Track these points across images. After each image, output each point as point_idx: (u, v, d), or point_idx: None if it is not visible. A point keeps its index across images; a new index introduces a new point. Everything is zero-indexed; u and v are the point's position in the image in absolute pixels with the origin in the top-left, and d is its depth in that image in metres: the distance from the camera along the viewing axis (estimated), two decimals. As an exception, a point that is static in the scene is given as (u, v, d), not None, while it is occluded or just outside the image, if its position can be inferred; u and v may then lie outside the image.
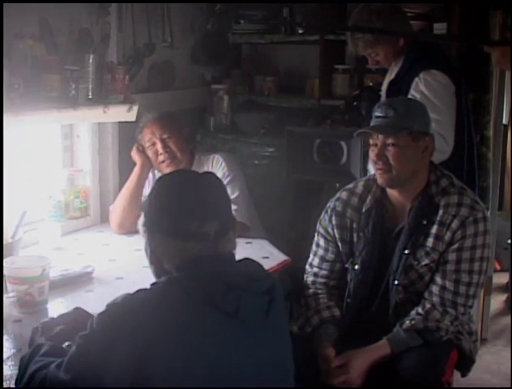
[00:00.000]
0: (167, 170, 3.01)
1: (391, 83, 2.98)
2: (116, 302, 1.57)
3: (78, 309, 1.97)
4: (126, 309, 1.54)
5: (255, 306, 1.61)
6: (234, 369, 1.56)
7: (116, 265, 2.70)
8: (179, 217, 1.61)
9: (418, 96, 2.78)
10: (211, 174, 1.78)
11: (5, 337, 2.00)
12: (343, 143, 3.07)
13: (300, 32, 3.62)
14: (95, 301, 2.30)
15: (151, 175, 3.15)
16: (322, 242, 2.49)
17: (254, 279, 1.64)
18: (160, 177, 1.82)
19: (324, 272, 2.49)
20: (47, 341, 1.78)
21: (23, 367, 1.69)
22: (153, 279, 1.73)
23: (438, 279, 2.30)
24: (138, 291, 1.59)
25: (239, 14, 3.79)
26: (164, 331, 1.50)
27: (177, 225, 1.60)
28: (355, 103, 3.21)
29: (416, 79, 2.82)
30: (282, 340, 1.71)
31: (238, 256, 1.72)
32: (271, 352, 1.65)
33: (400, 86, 2.89)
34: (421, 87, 2.80)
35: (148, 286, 1.68)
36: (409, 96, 2.81)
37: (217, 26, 2.57)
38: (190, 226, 1.60)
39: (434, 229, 2.31)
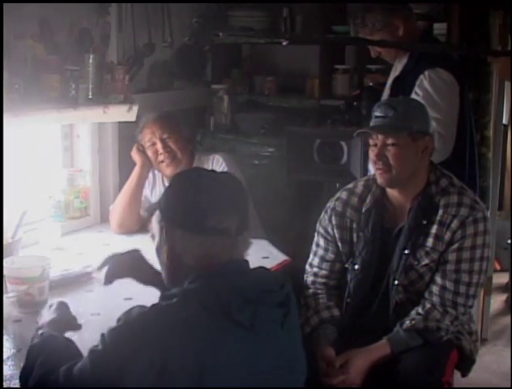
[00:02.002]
0: (167, 170, 3.02)
1: (396, 79, 2.97)
2: (129, 318, 1.53)
3: (135, 252, 1.99)
4: (142, 325, 1.50)
5: (270, 319, 1.59)
6: (250, 381, 1.54)
7: (116, 265, 2.69)
8: (200, 212, 1.58)
9: (421, 94, 2.78)
10: (231, 174, 1.78)
11: (5, 337, 2.00)
12: (343, 143, 3.07)
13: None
14: (95, 301, 2.30)
15: (151, 175, 3.15)
16: (321, 242, 2.49)
17: (269, 291, 1.61)
18: (178, 174, 1.80)
19: (324, 272, 2.49)
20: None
21: (30, 361, 1.65)
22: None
23: (438, 279, 2.30)
24: (153, 306, 1.55)
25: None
26: (180, 347, 1.47)
27: (198, 220, 1.58)
28: (355, 103, 3.21)
29: (421, 77, 2.81)
30: (296, 350, 1.69)
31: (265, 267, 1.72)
32: (286, 364, 1.62)
33: (405, 82, 2.88)
34: (425, 85, 2.80)
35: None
36: (413, 93, 2.81)
37: (194, 39, 2.57)
38: (212, 221, 1.57)
39: (434, 229, 2.31)
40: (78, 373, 1.52)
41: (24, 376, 1.66)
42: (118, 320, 1.55)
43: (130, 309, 1.55)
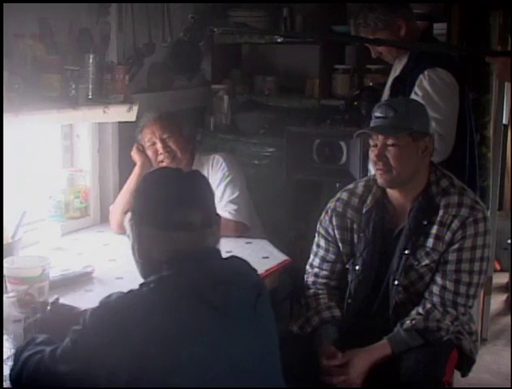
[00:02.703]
0: (167, 170, 3.02)
1: (396, 79, 2.96)
2: (110, 302, 1.60)
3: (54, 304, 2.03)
4: (121, 309, 1.57)
5: (243, 300, 1.65)
6: (225, 363, 1.59)
7: (116, 265, 2.70)
8: (164, 208, 1.67)
9: (421, 93, 2.77)
10: (196, 171, 1.87)
11: (5, 337, 2.00)
12: (342, 143, 3.06)
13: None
14: (95, 301, 2.30)
15: (151, 175, 3.15)
16: (322, 243, 2.49)
17: (241, 273, 1.70)
18: (146, 174, 1.88)
19: (324, 273, 2.49)
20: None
21: (17, 356, 1.72)
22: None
23: (439, 280, 2.30)
24: (131, 291, 1.62)
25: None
26: (157, 331, 1.53)
27: (162, 216, 1.66)
28: (355, 103, 3.20)
29: (421, 76, 2.81)
30: (270, 335, 1.74)
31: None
32: (260, 345, 1.68)
33: (405, 83, 2.87)
34: (425, 85, 2.79)
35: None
36: (413, 93, 2.80)
37: (189, 35, 2.60)
38: (175, 216, 1.65)
39: (434, 230, 2.31)
40: (61, 352, 1.60)
41: (13, 367, 1.72)
42: (100, 303, 1.62)
43: (110, 294, 1.63)
